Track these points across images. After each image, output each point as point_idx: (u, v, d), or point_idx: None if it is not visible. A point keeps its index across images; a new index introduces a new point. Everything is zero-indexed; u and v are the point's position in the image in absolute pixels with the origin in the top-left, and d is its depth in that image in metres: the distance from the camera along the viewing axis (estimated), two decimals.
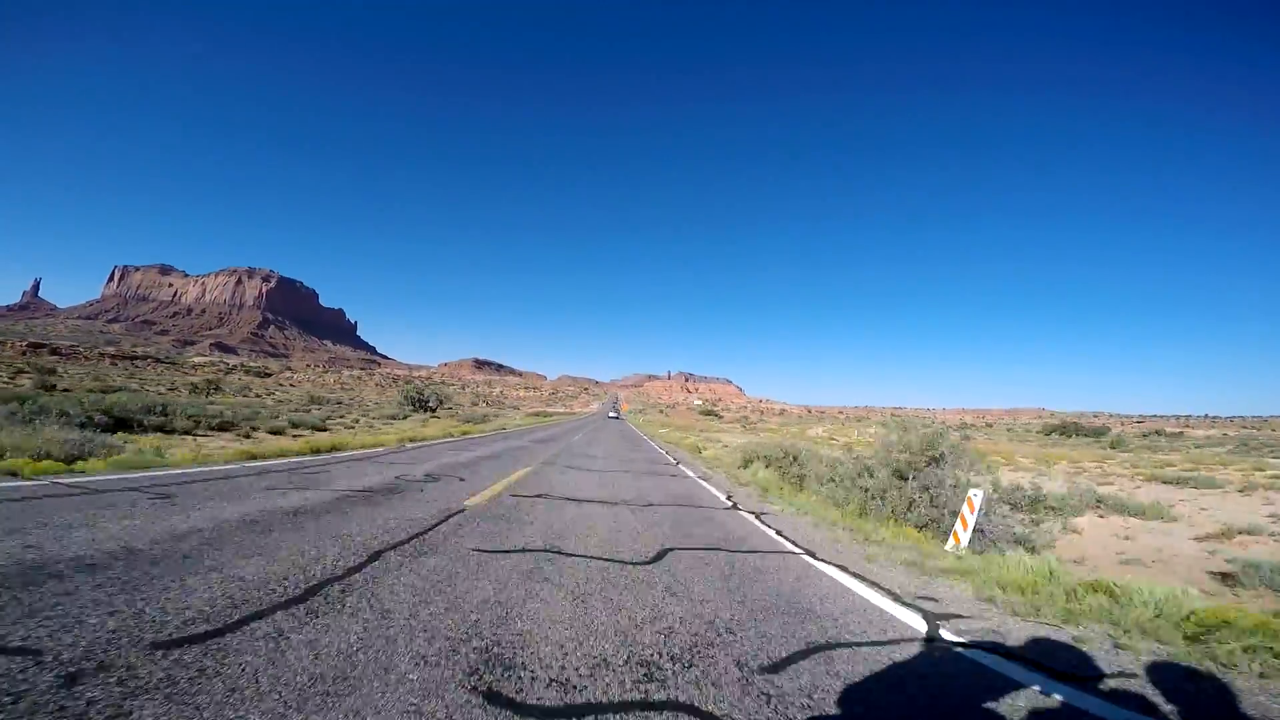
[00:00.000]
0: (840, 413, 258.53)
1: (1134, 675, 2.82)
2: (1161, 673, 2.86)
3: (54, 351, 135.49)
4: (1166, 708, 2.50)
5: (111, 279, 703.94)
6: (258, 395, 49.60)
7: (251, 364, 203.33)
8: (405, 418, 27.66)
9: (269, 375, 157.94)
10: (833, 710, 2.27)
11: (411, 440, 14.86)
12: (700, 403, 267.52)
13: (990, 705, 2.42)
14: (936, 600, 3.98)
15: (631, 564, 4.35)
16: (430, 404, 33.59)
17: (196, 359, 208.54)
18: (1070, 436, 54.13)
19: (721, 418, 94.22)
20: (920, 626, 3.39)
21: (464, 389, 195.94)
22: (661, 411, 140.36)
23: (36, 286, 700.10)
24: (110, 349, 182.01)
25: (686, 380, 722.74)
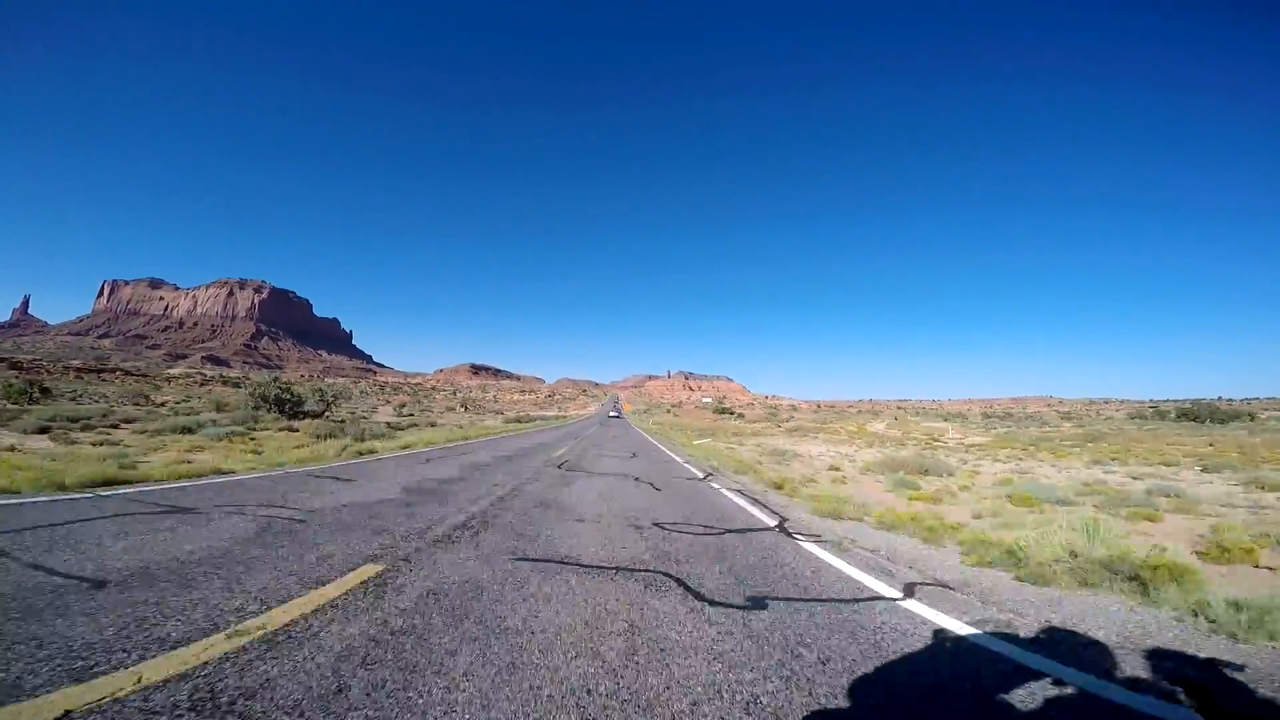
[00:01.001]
0: (850, 407, 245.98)
1: None
2: None
3: (14, 366, 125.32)
4: None
5: (101, 294, 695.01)
6: (138, 403, 37.96)
7: (230, 374, 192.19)
8: (193, 428, 15.80)
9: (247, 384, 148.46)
10: None
11: None
12: (710, 400, 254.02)
13: None
14: None
15: None
16: (305, 407, 21.97)
17: (170, 371, 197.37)
18: (1203, 422, 42.42)
19: (743, 416, 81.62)
20: None
21: (455, 394, 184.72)
22: (669, 411, 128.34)
23: (26, 303, 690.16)
24: (76, 362, 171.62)
25: (687, 379, 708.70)
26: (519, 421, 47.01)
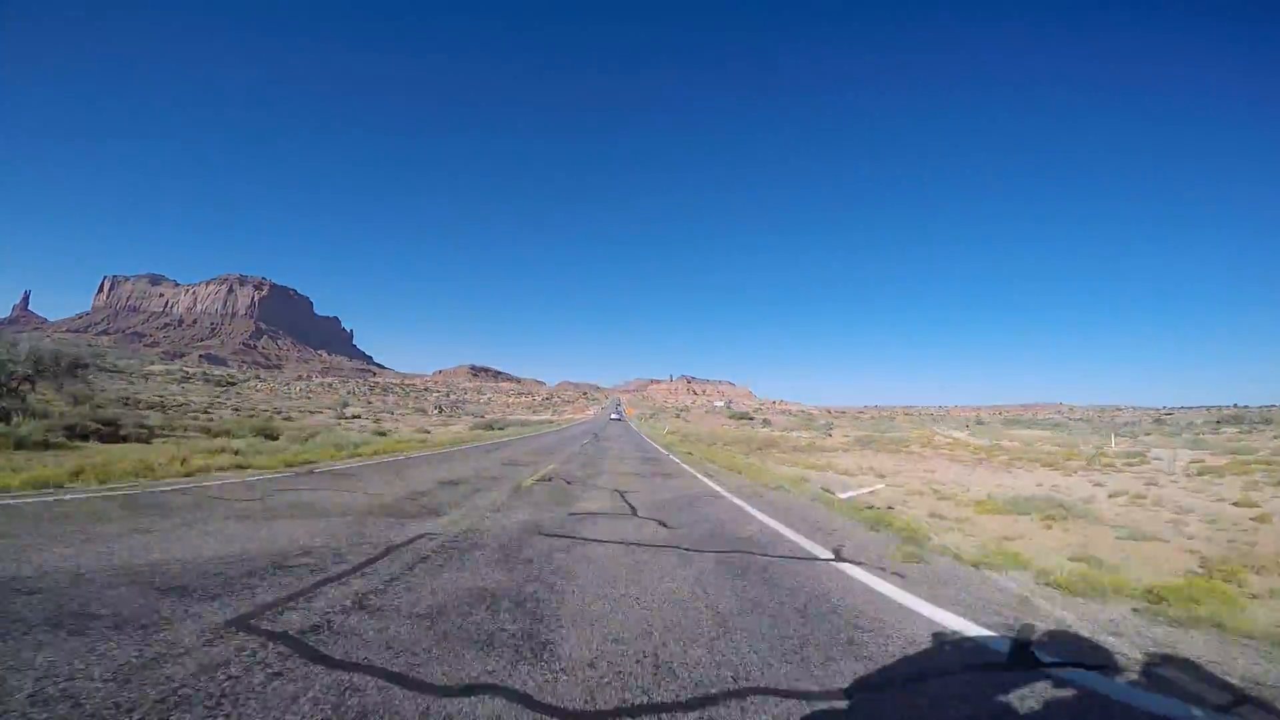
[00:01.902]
0: (861, 413, 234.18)
1: None
2: None
3: None
4: None
5: (101, 290, 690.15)
6: None
7: (213, 373, 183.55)
8: None
9: (232, 384, 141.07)
10: None
11: None
12: (722, 404, 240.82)
13: None
14: None
15: None
16: None
17: (151, 368, 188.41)
18: None
19: (769, 423, 69.88)
20: None
21: (448, 394, 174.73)
22: (678, 415, 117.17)
23: (26, 299, 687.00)
24: None
25: (690, 383, 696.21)
26: (489, 429, 36.15)
